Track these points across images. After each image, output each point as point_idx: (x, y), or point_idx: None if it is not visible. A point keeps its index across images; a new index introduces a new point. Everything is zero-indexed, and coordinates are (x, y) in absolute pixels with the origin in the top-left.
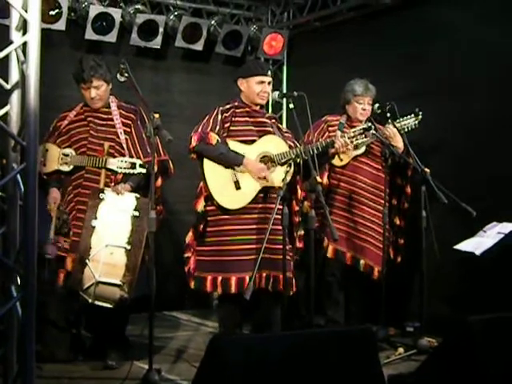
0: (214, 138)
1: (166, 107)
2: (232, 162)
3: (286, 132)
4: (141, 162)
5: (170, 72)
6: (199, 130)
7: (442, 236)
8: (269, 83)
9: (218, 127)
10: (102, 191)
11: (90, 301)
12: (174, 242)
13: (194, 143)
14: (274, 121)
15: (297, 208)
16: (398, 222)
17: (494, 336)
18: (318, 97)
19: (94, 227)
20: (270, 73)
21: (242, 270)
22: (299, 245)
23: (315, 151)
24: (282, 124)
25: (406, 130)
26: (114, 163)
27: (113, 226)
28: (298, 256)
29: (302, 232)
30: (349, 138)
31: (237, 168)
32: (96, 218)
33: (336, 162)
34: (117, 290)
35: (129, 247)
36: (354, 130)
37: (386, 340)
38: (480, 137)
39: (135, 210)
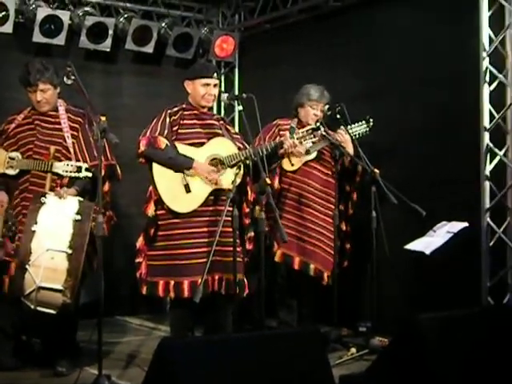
0: (162, 142)
1: (117, 111)
2: (181, 165)
3: (235, 134)
4: (87, 166)
5: (121, 75)
6: (147, 134)
7: (392, 236)
8: (215, 85)
9: (166, 131)
10: (44, 195)
11: (32, 307)
12: (126, 246)
13: (142, 148)
14: (222, 122)
15: (247, 210)
16: (343, 227)
17: (444, 334)
18: (269, 99)
19: (34, 232)
20: (216, 75)
21: (194, 273)
22: (249, 246)
23: (264, 152)
24: (232, 126)
25: (357, 136)
26: (60, 167)
27: (53, 231)
28: (247, 258)
29: (251, 234)
30: (298, 139)
31: (186, 171)
32: (36, 223)
33: (287, 166)
34: (59, 295)
35: (70, 251)
36: (302, 130)
37: (338, 340)
38: (431, 138)
39: (77, 213)
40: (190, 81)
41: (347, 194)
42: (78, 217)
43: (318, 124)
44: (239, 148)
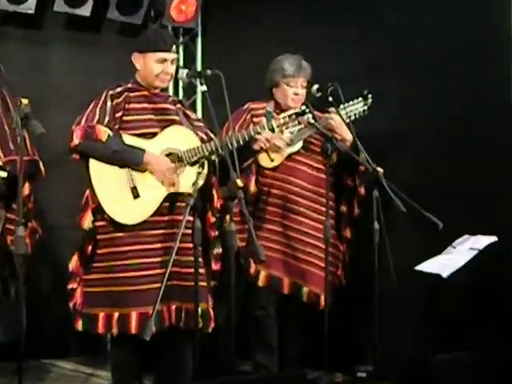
0: (103, 131)
1: (42, 91)
2: (129, 160)
3: (196, 121)
4: (0, 163)
5: (48, 45)
6: (83, 122)
7: (399, 254)
8: (172, 61)
9: (107, 118)
10: None
11: None
12: (55, 267)
13: (76, 140)
14: (179, 106)
15: (212, 220)
16: (348, 234)
17: (463, 382)
18: (242, 77)
19: None
20: (174, 47)
21: (144, 302)
22: (215, 267)
23: (235, 145)
24: (193, 112)
25: (353, 117)
26: None
27: None
28: (215, 282)
29: (218, 250)
30: (278, 127)
31: (133, 169)
32: None
33: (265, 162)
34: None
35: None
36: (283, 115)
37: None
38: (451, 127)
39: None
40: (141, 54)
41: (350, 189)
42: None
43: (303, 107)
44: (202, 139)
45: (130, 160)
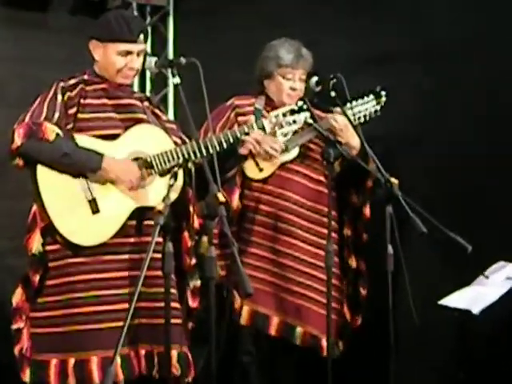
0: (50, 130)
1: None
2: (83, 166)
3: (167, 122)
4: None
5: None
6: (27, 119)
7: (420, 285)
8: (139, 54)
9: (57, 114)
10: None
11: None
12: None
13: (18, 140)
14: (147, 104)
15: (189, 243)
16: (354, 263)
17: None
18: (223, 66)
19: None
20: (142, 37)
21: (108, 344)
22: (192, 303)
23: (216, 149)
24: (164, 111)
25: (363, 119)
26: None
27: None
28: (192, 320)
29: (196, 283)
30: (270, 127)
31: (92, 177)
32: None
33: (252, 172)
34: None
35: None
36: (276, 112)
37: None
38: (480, 131)
39: None
40: (101, 43)
41: (354, 209)
42: None
43: (301, 103)
44: (175, 143)
45: (84, 165)
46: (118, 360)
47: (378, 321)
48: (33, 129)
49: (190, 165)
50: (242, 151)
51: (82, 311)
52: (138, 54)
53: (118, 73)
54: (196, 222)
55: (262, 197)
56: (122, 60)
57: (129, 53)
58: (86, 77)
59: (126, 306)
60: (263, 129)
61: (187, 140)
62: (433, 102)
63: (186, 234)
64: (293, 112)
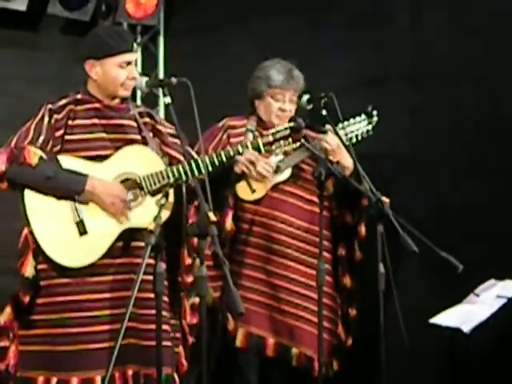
0: (33, 154)
1: None
2: (67, 189)
3: (171, 136)
4: None
5: None
6: (13, 143)
7: (411, 304)
8: (135, 63)
9: (42, 137)
10: None
11: None
12: None
13: (2, 166)
14: (147, 119)
15: (188, 261)
16: (348, 282)
17: None
18: (214, 86)
19: None
20: (135, 46)
21: (89, 366)
22: (191, 320)
23: (209, 168)
24: (169, 124)
25: (355, 139)
26: None
27: None
28: (193, 337)
29: (195, 300)
30: (265, 146)
31: (78, 198)
32: None
33: (245, 194)
34: None
35: None
36: (274, 130)
37: None
38: (473, 148)
39: None
40: (97, 60)
41: (349, 227)
42: None
43: (300, 121)
44: (176, 160)
45: (68, 188)
46: (99, 380)
47: (370, 340)
48: (15, 154)
49: (179, 183)
50: (236, 170)
51: (63, 332)
52: (135, 63)
53: (121, 86)
54: (194, 240)
55: (255, 218)
56: (123, 72)
57: (128, 63)
58: (79, 96)
59: (106, 327)
60: (258, 148)
61: (194, 154)
62: (423, 123)
63: (184, 251)
64: (292, 129)
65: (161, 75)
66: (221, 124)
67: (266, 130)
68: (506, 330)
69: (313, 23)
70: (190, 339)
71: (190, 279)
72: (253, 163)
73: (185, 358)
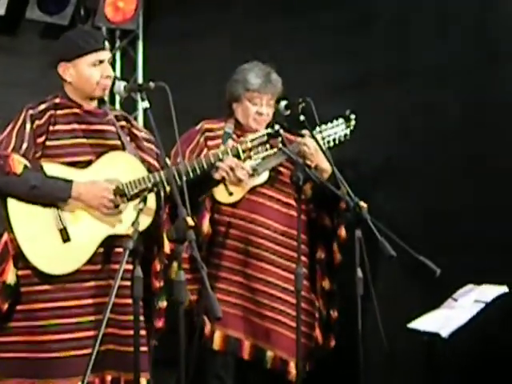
0: (18, 163)
1: None
2: (53, 196)
3: (146, 141)
4: None
5: None
6: None
7: (389, 308)
8: (109, 61)
9: (25, 144)
10: None
11: None
12: None
13: None
14: (124, 123)
15: (158, 267)
16: (327, 285)
17: None
18: (192, 90)
19: None
20: (107, 44)
21: (69, 372)
22: (158, 323)
23: (190, 174)
24: (145, 130)
25: (332, 143)
26: None
27: None
28: (155, 340)
29: (163, 304)
30: (245, 152)
31: (63, 205)
32: None
33: (222, 196)
34: None
35: None
36: (252, 137)
37: None
38: (447, 152)
39: None
40: (69, 62)
41: (328, 230)
42: None
43: (277, 127)
44: (150, 165)
45: (54, 196)
46: None
47: (348, 344)
48: (0, 163)
49: (156, 189)
50: (216, 176)
51: (44, 339)
52: (109, 62)
53: (97, 85)
54: (167, 247)
55: (232, 221)
56: (96, 71)
57: (101, 61)
58: (57, 100)
59: (87, 334)
60: (238, 155)
61: (168, 162)
62: (402, 127)
63: (157, 259)
64: (270, 135)
65: (139, 80)
66: (198, 127)
67: (244, 132)
68: (483, 334)
69: (295, 27)
70: (153, 342)
71: (159, 284)
72: (233, 170)
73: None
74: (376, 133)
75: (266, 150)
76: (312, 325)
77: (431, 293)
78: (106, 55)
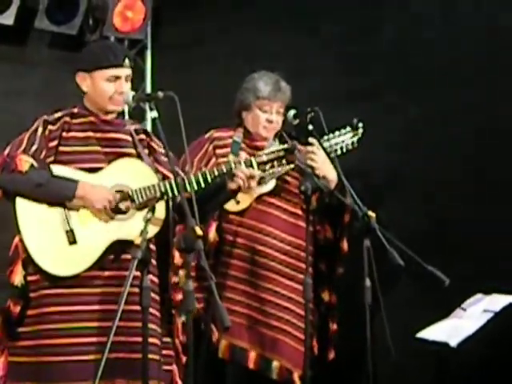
0: (24, 162)
1: None
2: (59, 194)
3: (162, 155)
4: None
5: None
6: (6, 152)
7: (397, 318)
8: (126, 78)
9: (34, 147)
10: None
11: None
12: None
13: None
14: (143, 136)
15: (174, 279)
16: (326, 297)
17: None
18: (201, 100)
19: None
20: (127, 61)
21: (74, 377)
22: (184, 338)
23: (201, 183)
24: (162, 143)
25: (340, 151)
26: None
27: None
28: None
29: (184, 318)
30: (259, 165)
31: (69, 205)
32: None
33: (229, 204)
34: None
35: None
36: (267, 151)
37: None
38: (458, 162)
39: None
40: (87, 73)
41: (331, 243)
42: None
43: (295, 142)
44: (165, 177)
45: (59, 194)
46: None
47: (356, 355)
48: (7, 161)
49: (167, 198)
50: (231, 186)
51: (52, 343)
52: (126, 79)
53: (110, 100)
54: (177, 257)
55: (239, 230)
56: (111, 86)
57: (117, 78)
58: (75, 110)
59: (94, 339)
60: (251, 166)
61: (182, 174)
62: (412, 136)
63: (171, 268)
64: (286, 151)
65: (148, 89)
66: (207, 136)
67: (253, 141)
68: (492, 344)
69: (304, 37)
70: (184, 358)
71: (179, 297)
72: (253, 177)
73: (179, 376)
74: (384, 142)
75: (282, 165)
76: (313, 335)
77: (440, 302)
78: (123, 72)
